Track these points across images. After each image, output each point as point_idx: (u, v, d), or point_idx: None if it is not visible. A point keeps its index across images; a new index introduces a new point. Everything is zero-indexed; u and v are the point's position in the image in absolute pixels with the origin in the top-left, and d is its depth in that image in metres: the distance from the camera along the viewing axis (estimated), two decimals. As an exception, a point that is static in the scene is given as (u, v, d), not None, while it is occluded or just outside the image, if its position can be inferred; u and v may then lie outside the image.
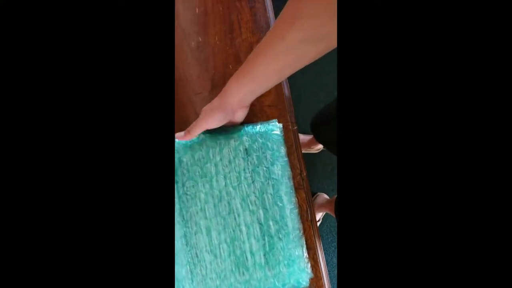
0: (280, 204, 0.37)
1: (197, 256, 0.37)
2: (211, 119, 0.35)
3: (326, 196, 0.98)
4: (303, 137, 0.97)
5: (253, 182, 0.37)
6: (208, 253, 0.37)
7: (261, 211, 0.37)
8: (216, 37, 0.44)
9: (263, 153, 0.38)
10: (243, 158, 0.38)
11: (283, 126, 0.42)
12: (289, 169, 0.39)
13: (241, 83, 0.32)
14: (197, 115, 0.43)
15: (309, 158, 1.03)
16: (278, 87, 0.43)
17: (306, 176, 0.43)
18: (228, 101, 0.34)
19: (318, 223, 0.98)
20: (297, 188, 0.41)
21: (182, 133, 0.37)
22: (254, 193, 0.37)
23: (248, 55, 0.45)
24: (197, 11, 0.45)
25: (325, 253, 0.97)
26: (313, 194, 1.00)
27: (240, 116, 0.36)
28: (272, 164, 0.38)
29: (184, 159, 0.38)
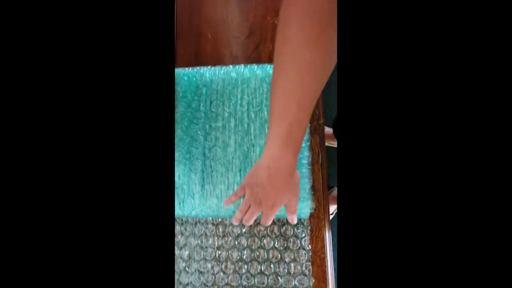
0: None
1: (210, 167, 0.39)
2: (281, 200, 0.32)
3: (343, 190, 0.96)
4: (328, 130, 0.97)
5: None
6: (221, 166, 0.39)
7: None
8: (259, -7, 0.49)
9: None
10: (267, 87, 0.41)
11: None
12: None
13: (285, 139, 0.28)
14: (232, 56, 0.48)
15: (330, 153, 1.02)
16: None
17: (323, 123, 0.44)
18: (292, 161, 0.29)
19: (331, 216, 0.96)
20: (312, 132, 0.43)
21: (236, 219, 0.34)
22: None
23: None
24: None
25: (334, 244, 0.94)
26: (331, 187, 0.99)
27: None
28: None
29: (215, 82, 0.42)
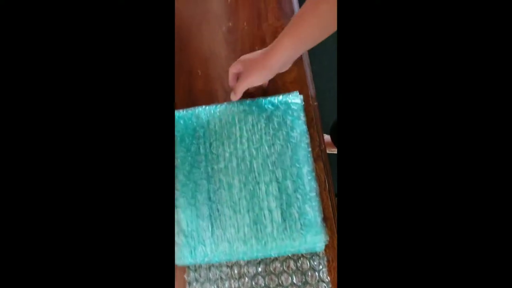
0: (298, 165, 0.39)
1: (218, 211, 0.39)
2: (256, 77, 0.36)
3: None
4: (327, 137, 0.97)
5: (273, 144, 0.40)
6: (229, 209, 0.38)
7: (279, 171, 0.39)
8: (245, 22, 0.49)
9: (284, 119, 0.41)
10: (265, 123, 0.41)
11: (304, 100, 0.44)
12: (308, 135, 0.41)
13: (298, 38, 0.31)
14: (224, 90, 0.47)
15: (332, 159, 1.02)
16: (300, 65, 0.46)
17: (325, 148, 0.44)
18: (277, 60, 0.34)
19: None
20: (316, 159, 0.43)
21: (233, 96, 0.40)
22: (273, 154, 0.40)
23: (273, 38, 0.48)
24: (229, 0, 0.51)
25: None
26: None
27: (282, 71, 0.38)
28: (292, 129, 0.40)
29: (212, 122, 0.42)
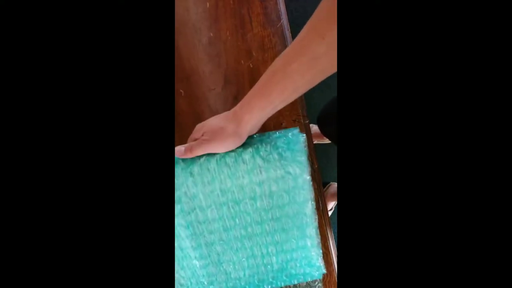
0: (301, 232, 0.36)
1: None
2: (221, 146, 0.31)
3: (338, 186, 0.99)
4: (316, 128, 0.97)
5: (270, 209, 0.34)
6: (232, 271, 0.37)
7: (279, 235, 0.36)
8: (228, 32, 0.45)
9: (283, 177, 0.32)
10: (258, 184, 0.32)
11: (295, 120, 0.43)
12: (312, 192, 0.34)
13: (268, 99, 0.28)
14: (211, 111, 0.44)
15: (322, 149, 1.03)
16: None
17: (317, 168, 0.44)
18: (246, 125, 0.30)
19: (331, 212, 0.99)
20: (308, 180, 0.42)
21: (182, 148, 0.32)
22: (271, 221, 0.34)
23: (260, 50, 0.45)
24: (208, 5, 0.46)
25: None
26: (326, 184, 1.01)
27: (253, 133, 0.33)
28: (293, 198, 0.33)
29: (193, 190, 0.33)
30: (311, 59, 0.24)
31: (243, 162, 0.32)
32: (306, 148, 0.34)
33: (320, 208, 0.43)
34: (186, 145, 0.32)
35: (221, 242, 0.35)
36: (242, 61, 0.44)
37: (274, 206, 0.34)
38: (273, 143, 0.33)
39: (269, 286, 0.39)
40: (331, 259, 0.43)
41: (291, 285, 0.41)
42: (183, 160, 0.33)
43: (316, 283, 0.41)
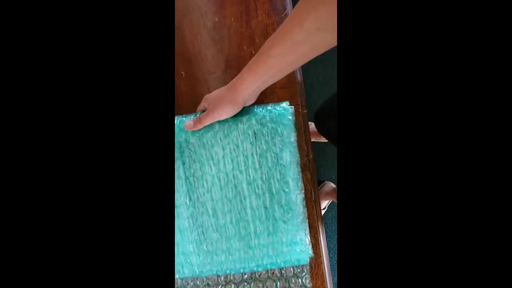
0: (286, 190, 0.38)
1: (203, 234, 0.38)
2: (222, 112, 0.35)
3: (333, 185, 0.99)
4: (313, 126, 0.97)
5: (260, 167, 0.38)
6: (215, 232, 0.38)
7: (267, 196, 0.38)
8: (232, 18, 0.45)
9: (272, 138, 0.38)
10: (251, 143, 0.38)
11: (294, 108, 0.43)
12: (298, 155, 0.39)
13: (255, 74, 0.32)
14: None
15: (319, 147, 1.03)
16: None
17: (312, 158, 0.44)
18: (240, 94, 0.34)
19: (324, 211, 0.99)
20: (303, 169, 0.42)
21: (191, 122, 0.37)
22: (261, 178, 0.37)
23: (262, 38, 0.45)
24: (214, -8, 0.46)
25: (328, 240, 0.99)
26: (321, 182, 1.01)
27: (249, 104, 0.37)
28: (281, 150, 0.38)
29: (191, 140, 0.39)
30: (291, 45, 0.27)
31: (237, 129, 0.38)
32: (293, 118, 0.39)
33: (312, 199, 0.43)
34: (193, 119, 0.38)
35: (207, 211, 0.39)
36: (245, 47, 0.45)
37: (263, 165, 0.38)
38: (265, 111, 0.38)
39: (255, 265, 0.39)
40: (320, 251, 0.43)
41: (278, 273, 0.41)
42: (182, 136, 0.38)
43: (304, 273, 0.41)
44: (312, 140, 1.01)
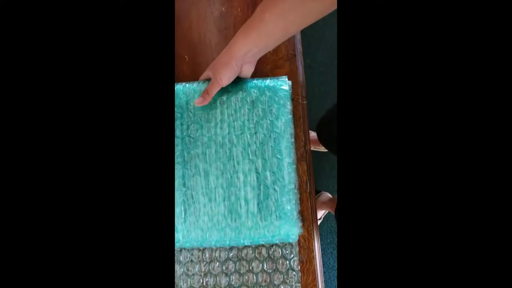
0: (279, 157, 0.38)
1: (192, 197, 0.38)
2: (223, 76, 0.36)
3: (329, 195, 0.97)
4: (314, 134, 0.97)
5: (255, 133, 0.39)
6: (204, 196, 0.38)
7: (259, 161, 0.38)
8: (239, 9, 0.46)
9: (269, 106, 0.39)
10: (248, 109, 0.39)
11: (293, 98, 0.43)
12: (292, 126, 0.40)
13: (247, 38, 0.33)
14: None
15: (318, 157, 1.03)
16: (293, 61, 0.45)
17: (309, 150, 0.43)
18: (234, 55, 0.35)
19: (319, 221, 0.97)
20: (299, 159, 0.42)
21: (200, 98, 0.38)
22: (255, 143, 0.38)
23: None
24: (223, -16, 0.48)
25: (322, 254, 0.96)
26: (318, 192, 0.99)
27: (246, 71, 0.38)
28: (277, 118, 0.39)
29: (192, 103, 0.40)
30: (281, 12, 0.29)
31: (237, 96, 0.40)
32: (290, 90, 0.41)
33: (308, 190, 0.42)
34: (202, 94, 0.39)
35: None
36: (249, 37, 0.46)
37: (258, 131, 0.39)
38: (264, 82, 0.40)
39: (243, 238, 0.38)
40: (312, 245, 0.41)
41: (265, 253, 0.39)
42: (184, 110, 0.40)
43: (292, 256, 0.39)
44: (312, 148, 1.01)
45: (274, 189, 0.37)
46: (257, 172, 0.38)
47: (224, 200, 0.37)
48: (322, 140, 0.75)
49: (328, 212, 0.97)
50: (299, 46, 0.46)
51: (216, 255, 0.39)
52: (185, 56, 0.46)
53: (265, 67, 0.45)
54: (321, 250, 0.96)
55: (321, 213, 0.96)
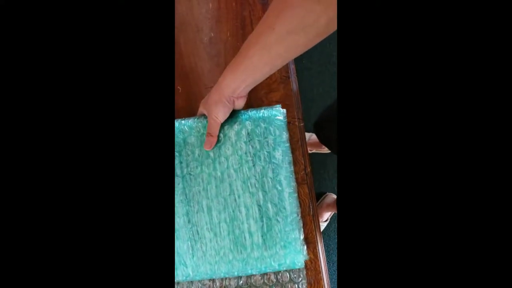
0: (279, 188, 0.39)
1: (198, 233, 0.39)
2: (217, 113, 0.37)
3: (334, 196, 0.97)
4: (315, 137, 0.96)
5: (254, 165, 0.39)
6: (209, 231, 0.39)
7: (260, 194, 0.39)
8: (228, 33, 0.46)
9: (265, 138, 0.40)
10: (245, 142, 0.40)
11: (290, 122, 0.43)
12: (290, 154, 0.40)
13: (235, 74, 0.33)
14: (207, 108, 0.45)
15: (321, 158, 1.02)
16: (286, 83, 0.44)
17: (310, 172, 0.43)
18: (224, 92, 0.35)
19: (326, 223, 0.98)
20: (300, 183, 0.42)
21: (206, 143, 0.39)
22: (254, 176, 0.39)
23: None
24: (210, 6, 0.47)
25: (332, 254, 0.97)
26: (323, 194, 0.99)
27: (239, 105, 0.38)
28: (274, 149, 0.40)
29: (189, 141, 0.41)
30: (265, 46, 0.29)
31: (232, 129, 0.40)
32: (285, 119, 0.41)
33: (311, 213, 0.42)
34: (207, 139, 0.40)
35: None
36: (241, 61, 0.45)
37: (257, 163, 0.40)
38: (258, 113, 0.41)
39: (250, 268, 0.38)
40: (319, 267, 0.42)
41: (274, 278, 0.40)
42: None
43: (300, 279, 0.40)
44: (314, 151, 1.01)
45: (277, 220, 0.38)
46: (258, 205, 0.38)
47: (228, 234, 0.38)
48: (322, 140, 0.75)
49: (335, 213, 0.97)
50: (292, 67, 0.45)
51: (226, 283, 0.40)
52: (178, 87, 0.45)
53: (259, 92, 0.44)
54: (329, 250, 0.98)
55: (327, 215, 0.97)
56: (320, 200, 0.97)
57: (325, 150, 1.00)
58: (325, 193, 0.99)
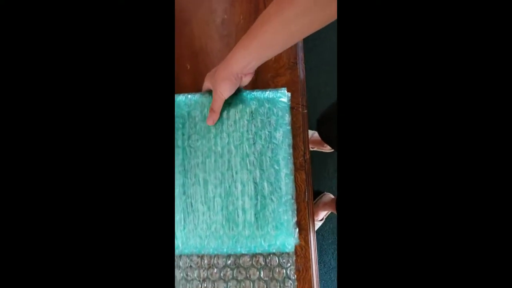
0: (277, 167, 0.39)
1: (191, 206, 0.39)
2: (224, 90, 0.37)
3: (332, 196, 0.97)
4: (317, 135, 0.96)
5: (254, 143, 0.40)
6: (202, 205, 0.39)
7: (257, 172, 0.39)
8: (241, 16, 0.46)
9: (268, 118, 0.40)
10: (248, 120, 0.40)
11: (294, 107, 0.43)
12: (290, 137, 0.41)
13: (246, 50, 0.33)
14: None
15: (322, 157, 1.02)
16: (294, 70, 0.44)
17: (309, 159, 0.43)
18: (233, 69, 0.35)
19: (321, 223, 0.97)
20: (298, 168, 0.42)
21: (209, 118, 0.39)
22: (253, 153, 0.39)
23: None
24: (226, -9, 0.47)
25: (324, 254, 0.97)
26: (320, 193, 0.99)
27: (246, 81, 0.38)
28: (275, 129, 0.40)
29: (193, 114, 0.41)
30: (283, 22, 0.28)
31: (236, 107, 0.41)
32: (289, 102, 0.42)
33: (306, 200, 0.42)
34: (209, 113, 0.40)
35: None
36: (251, 44, 0.45)
37: (257, 142, 0.40)
38: (263, 93, 0.41)
39: (240, 246, 0.38)
40: (309, 254, 0.42)
41: (262, 261, 0.40)
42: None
43: (289, 264, 0.40)
44: (315, 149, 1.01)
45: (271, 200, 0.38)
46: (254, 183, 0.38)
47: (222, 209, 0.38)
48: (323, 137, 0.75)
49: (331, 212, 0.97)
50: (301, 54, 0.46)
51: (215, 261, 0.40)
52: (187, 65, 0.46)
53: (266, 75, 0.45)
54: (323, 250, 0.97)
55: (323, 214, 0.96)
56: (317, 199, 0.97)
57: (327, 149, 1.00)
58: (323, 192, 0.99)
